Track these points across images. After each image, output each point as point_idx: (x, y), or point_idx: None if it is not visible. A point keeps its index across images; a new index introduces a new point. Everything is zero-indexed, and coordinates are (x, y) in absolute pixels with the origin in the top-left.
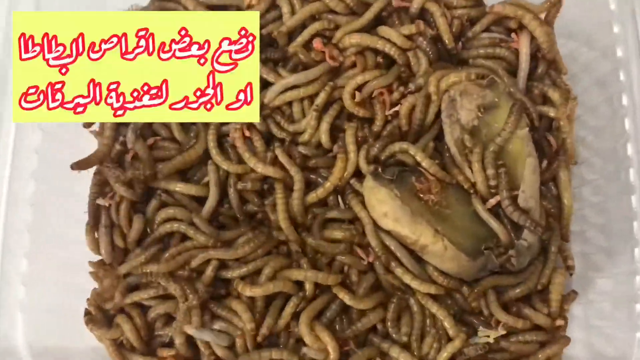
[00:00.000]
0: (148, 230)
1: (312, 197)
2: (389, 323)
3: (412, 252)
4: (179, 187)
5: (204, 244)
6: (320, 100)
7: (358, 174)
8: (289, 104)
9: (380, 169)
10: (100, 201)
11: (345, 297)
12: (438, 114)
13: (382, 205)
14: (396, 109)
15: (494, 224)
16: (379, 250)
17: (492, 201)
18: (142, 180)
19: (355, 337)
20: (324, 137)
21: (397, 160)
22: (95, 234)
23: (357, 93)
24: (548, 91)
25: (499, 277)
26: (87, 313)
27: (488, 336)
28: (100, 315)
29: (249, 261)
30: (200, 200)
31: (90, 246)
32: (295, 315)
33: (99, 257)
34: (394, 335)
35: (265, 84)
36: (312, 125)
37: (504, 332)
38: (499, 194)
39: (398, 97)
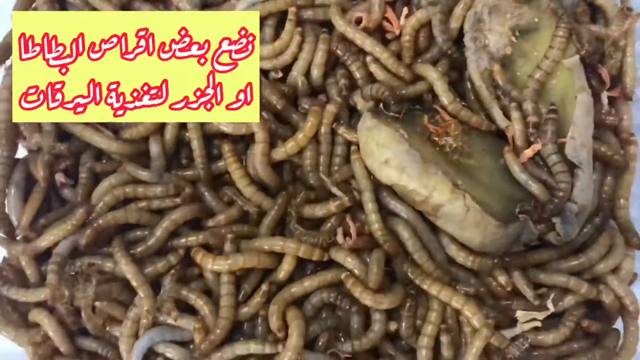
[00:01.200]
0: None
1: (280, 152)
2: (403, 327)
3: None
4: (97, 138)
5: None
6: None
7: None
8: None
9: (382, 105)
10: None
11: (358, 290)
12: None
13: (384, 150)
14: (402, 23)
15: (528, 180)
16: (373, 216)
17: (529, 152)
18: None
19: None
20: (317, 71)
21: (402, 96)
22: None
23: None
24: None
25: (542, 252)
26: None
27: (536, 319)
28: (10, 307)
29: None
30: None
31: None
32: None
33: None
34: (409, 340)
35: None
36: (292, 53)
37: (552, 310)
38: (541, 138)
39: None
